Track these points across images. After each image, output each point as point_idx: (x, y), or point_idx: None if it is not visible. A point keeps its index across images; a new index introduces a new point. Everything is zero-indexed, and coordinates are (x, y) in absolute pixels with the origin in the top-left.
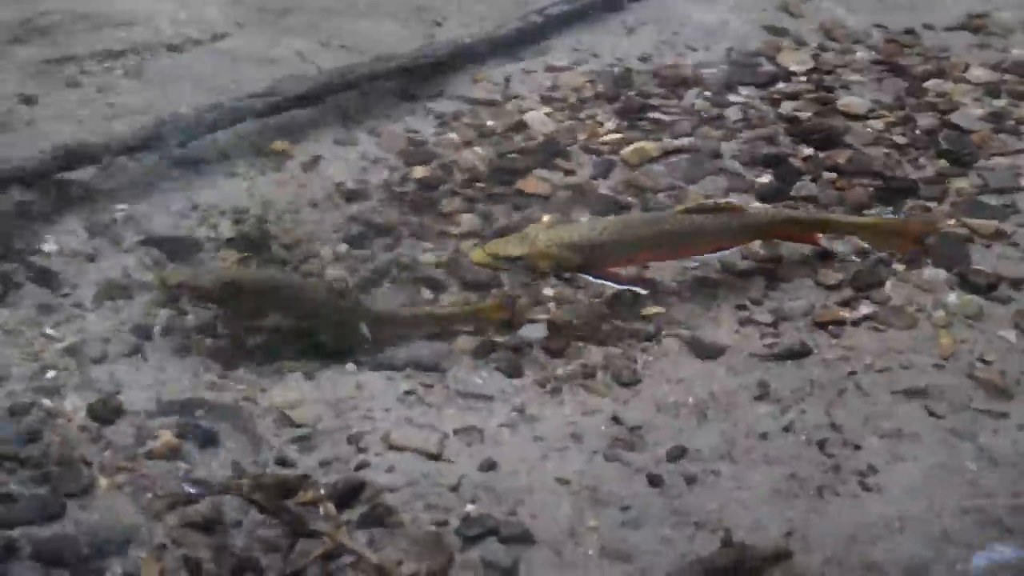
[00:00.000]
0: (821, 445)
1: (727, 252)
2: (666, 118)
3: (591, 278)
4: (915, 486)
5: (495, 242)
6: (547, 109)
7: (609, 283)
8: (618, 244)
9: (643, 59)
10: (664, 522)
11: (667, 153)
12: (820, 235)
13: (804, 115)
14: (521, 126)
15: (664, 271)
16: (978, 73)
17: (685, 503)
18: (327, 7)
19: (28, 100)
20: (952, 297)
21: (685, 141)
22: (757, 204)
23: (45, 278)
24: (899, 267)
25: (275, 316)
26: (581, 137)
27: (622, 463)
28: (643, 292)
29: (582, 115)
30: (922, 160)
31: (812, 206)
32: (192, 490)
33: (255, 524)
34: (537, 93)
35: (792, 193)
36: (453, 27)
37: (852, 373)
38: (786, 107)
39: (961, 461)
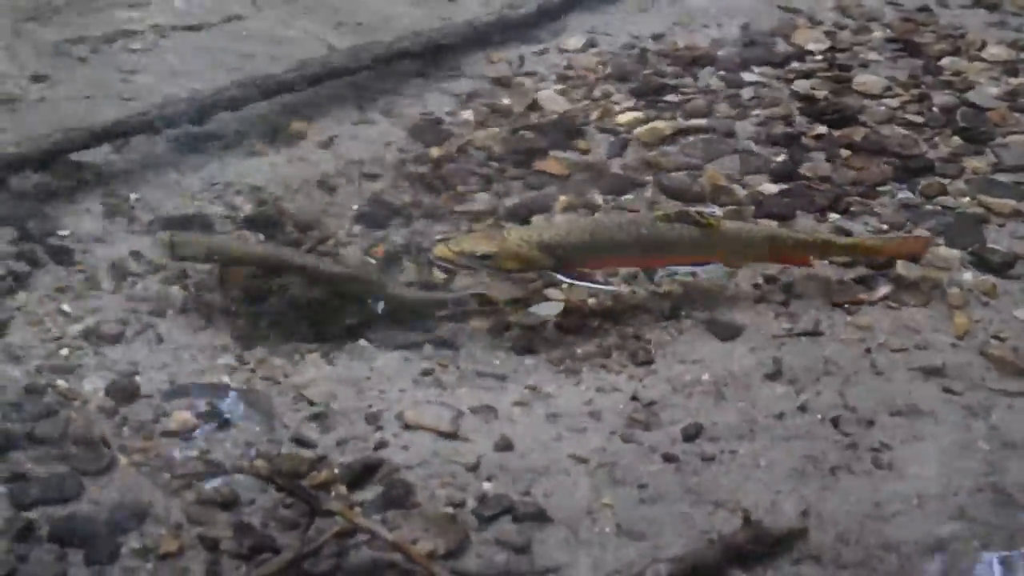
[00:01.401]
0: (837, 424)
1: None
2: (680, 97)
3: (563, 277)
4: (931, 464)
5: (462, 238)
6: (562, 89)
7: (582, 283)
8: (590, 246)
9: (657, 38)
10: (680, 501)
11: (682, 132)
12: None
13: (819, 94)
14: (536, 106)
15: None
16: (994, 51)
17: (701, 482)
18: None
19: (42, 79)
20: (967, 276)
21: (700, 120)
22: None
23: (62, 258)
24: None
25: (286, 287)
26: (595, 116)
27: (638, 442)
28: (618, 290)
29: (597, 95)
30: (938, 139)
31: (827, 186)
32: (208, 470)
33: (272, 503)
34: (552, 73)
35: (806, 172)
36: (468, 7)
37: (868, 351)
38: (801, 86)
39: (975, 440)
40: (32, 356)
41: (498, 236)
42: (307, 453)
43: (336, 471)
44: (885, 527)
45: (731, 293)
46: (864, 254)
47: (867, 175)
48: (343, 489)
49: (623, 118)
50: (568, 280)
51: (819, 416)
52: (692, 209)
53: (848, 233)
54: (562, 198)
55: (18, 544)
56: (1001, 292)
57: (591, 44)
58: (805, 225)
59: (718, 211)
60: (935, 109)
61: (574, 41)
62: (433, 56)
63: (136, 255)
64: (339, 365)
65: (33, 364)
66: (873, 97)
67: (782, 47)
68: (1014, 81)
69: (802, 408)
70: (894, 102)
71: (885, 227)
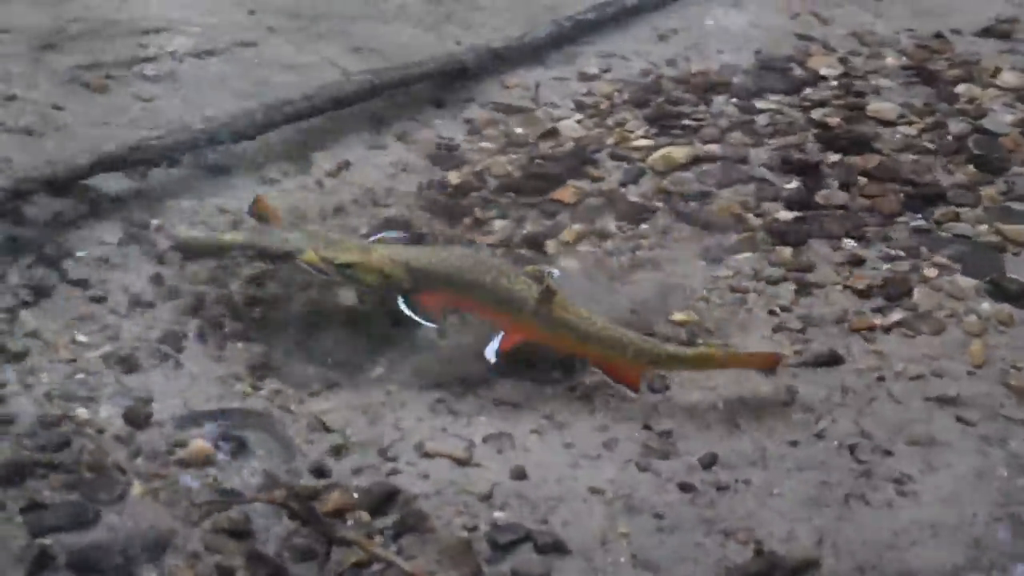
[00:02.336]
0: (852, 452)
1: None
2: (695, 124)
3: (403, 302)
4: (947, 494)
5: (333, 247)
6: (577, 116)
7: (411, 313)
8: (448, 280)
9: (672, 64)
10: (696, 530)
11: (696, 159)
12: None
13: (834, 121)
14: (551, 133)
15: (693, 278)
16: (1008, 78)
17: (717, 511)
18: (358, 13)
19: (58, 106)
20: (984, 304)
21: (714, 147)
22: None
23: (78, 285)
24: (930, 273)
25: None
26: (610, 143)
27: (653, 471)
28: (435, 328)
29: (612, 122)
30: (952, 166)
31: (842, 213)
32: (224, 497)
33: (288, 532)
34: (567, 100)
35: (821, 200)
36: (483, 33)
37: (883, 380)
38: (816, 113)
39: (993, 468)
40: (47, 383)
41: (366, 249)
42: (323, 481)
43: (354, 497)
44: (902, 556)
45: (745, 320)
46: (709, 366)
47: (882, 203)
48: (362, 517)
49: (638, 145)
50: (405, 308)
51: (835, 444)
52: (541, 269)
53: (860, 260)
54: (575, 226)
55: (35, 572)
56: (1018, 321)
57: (606, 70)
58: (819, 251)
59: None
60: (949, 136)
61: (589, 67)
62: (448, 82)
63: (152, 281)
64: (356, 393)
65: (48, 391)
66: (887, 124)
67: (796, 74)
68: None
69: (818, 436)
70: (908, 129)
71: (902, 254)
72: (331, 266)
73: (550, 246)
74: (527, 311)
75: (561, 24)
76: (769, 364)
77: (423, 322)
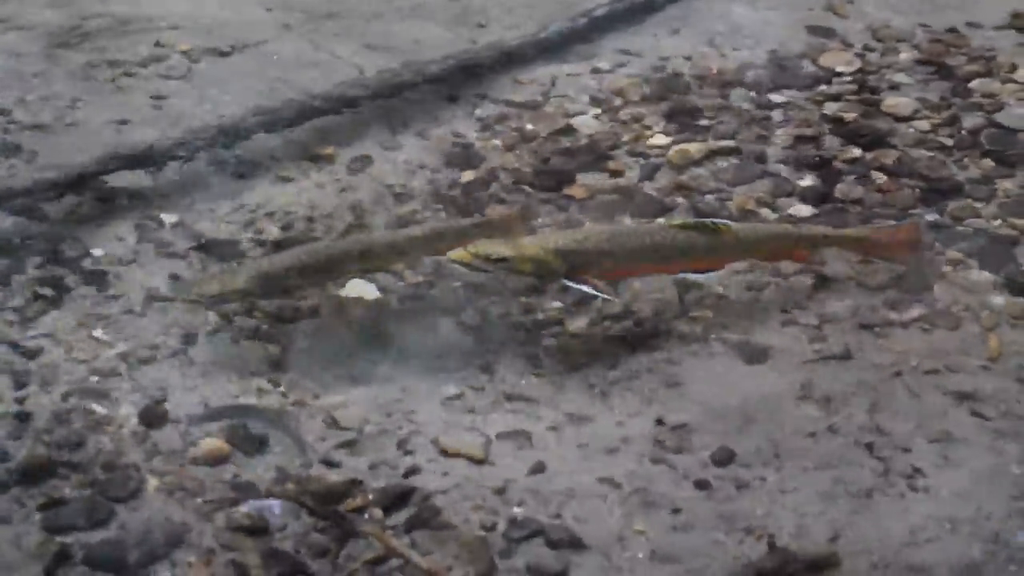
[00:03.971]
0: (868, 448)
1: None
2: (711, 120)
3: (569, 283)
4: (963, 489)
5: (480, 243)
6: (592, 112)
7: (584, 288)
8: (605, 253)
9: (688, 60)
10: (713, 526)
11: (712, 155)
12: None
13: (849, 116)
14: (566, 129)
15: (709, 273)
16: None
17: (733, 506)
18: (372, 11)
19: (74, 104)
20: (999, 299)
21: (730, 143)
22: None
23: (94, 282)
24: (947, 269)
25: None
26: (626, 139)
27: (669, 466)
28: (614, 299)
29: (627, 117)
30: (968, 161)
31: (858, 209)
32: (239, 494)
33: (303, 528)
34: (582, 96)
35: (837, 195)
36: (497, 30)
37: (899, 375)
38: (831, 108)
39: (1008, 464)
40: (63, 380)
41: (514, 241)
42: (338, 477)
43: (370, 496)
44: (918, 552)
45: (760, 316)
46: (859, 246)
47: (897, 197)
48: (377, 512)
49: (654, 141)
50: (572, 284)
51: (850, 440)
52: (708, 220)
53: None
54: (591, 222)
55: (52, 569)
56: None
57: (621, 66)
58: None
59: (731, 224)
60: (965, 131)
61: (604, 64)
62: (463, 79)
63: (168, 279)
64: (371, 389)
65: (64, 388)
66: (903, 119)
67: (812, 69)
68: None
69: (833, 431)
70: (924, 124)
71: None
72: (487, 262)
73: None
74: (710, 246)
75: (576, 20)
76: (913, 237)
77: (600, 295)
